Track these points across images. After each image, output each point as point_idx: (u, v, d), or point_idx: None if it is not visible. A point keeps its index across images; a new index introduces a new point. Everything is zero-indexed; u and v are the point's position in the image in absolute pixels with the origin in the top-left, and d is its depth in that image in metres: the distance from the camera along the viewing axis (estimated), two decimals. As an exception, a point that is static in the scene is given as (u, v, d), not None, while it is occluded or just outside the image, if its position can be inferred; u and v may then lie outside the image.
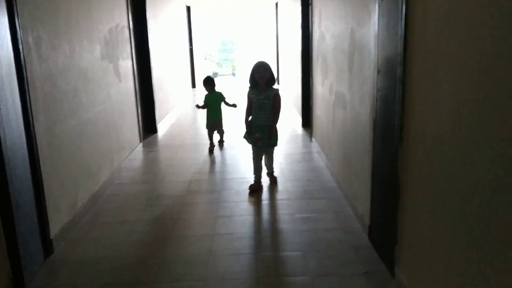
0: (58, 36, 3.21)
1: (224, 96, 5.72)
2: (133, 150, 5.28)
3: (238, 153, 5.40)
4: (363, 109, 3.14)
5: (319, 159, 4.95)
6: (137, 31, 5.99)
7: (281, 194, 4.01)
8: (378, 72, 2.69)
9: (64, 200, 3.22)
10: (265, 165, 4.23)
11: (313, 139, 5.61)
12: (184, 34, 10.33)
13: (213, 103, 5.65)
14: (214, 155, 5.42)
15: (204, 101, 5.68)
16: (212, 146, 5.63)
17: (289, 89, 8.74)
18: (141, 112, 5.93)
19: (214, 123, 5.64)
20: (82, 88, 3.66)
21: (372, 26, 2.83)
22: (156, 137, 6.42)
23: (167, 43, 7.89)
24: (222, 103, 5.68)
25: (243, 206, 3.76)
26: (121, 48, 4.89)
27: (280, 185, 4.22)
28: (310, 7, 5.43)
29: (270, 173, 4.28)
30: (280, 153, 5.13)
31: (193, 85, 11.92)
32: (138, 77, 5.96)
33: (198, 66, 12.55)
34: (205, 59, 16.52)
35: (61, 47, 3.24)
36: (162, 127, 6.91)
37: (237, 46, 19.10)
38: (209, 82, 5.71)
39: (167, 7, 8.08)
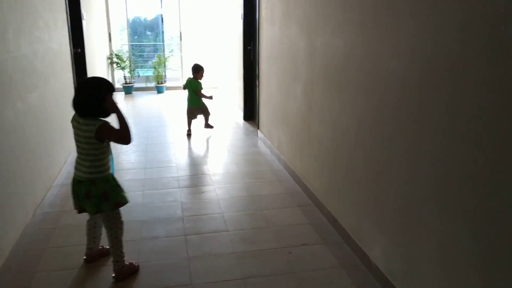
0: None
1: (201, 87, 6.33)
2: None
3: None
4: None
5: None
6: None
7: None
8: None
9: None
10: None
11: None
12: (60, 26, 4.62)
13: (189, 88, 6.30)
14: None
15: (186, 83, 6.43)
16: (189, 131, 6.30)
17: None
18: None
19: (193, 109, 6.11)
20: None
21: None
22: None
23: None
24: (199, 94, 6.35)
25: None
26: None
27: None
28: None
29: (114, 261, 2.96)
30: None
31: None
32: None
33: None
34: (111, 63, 10.66)
35: None
36: None
37: (169, 34, 11.92)
38: (193, 70, 6.36)
39: None
